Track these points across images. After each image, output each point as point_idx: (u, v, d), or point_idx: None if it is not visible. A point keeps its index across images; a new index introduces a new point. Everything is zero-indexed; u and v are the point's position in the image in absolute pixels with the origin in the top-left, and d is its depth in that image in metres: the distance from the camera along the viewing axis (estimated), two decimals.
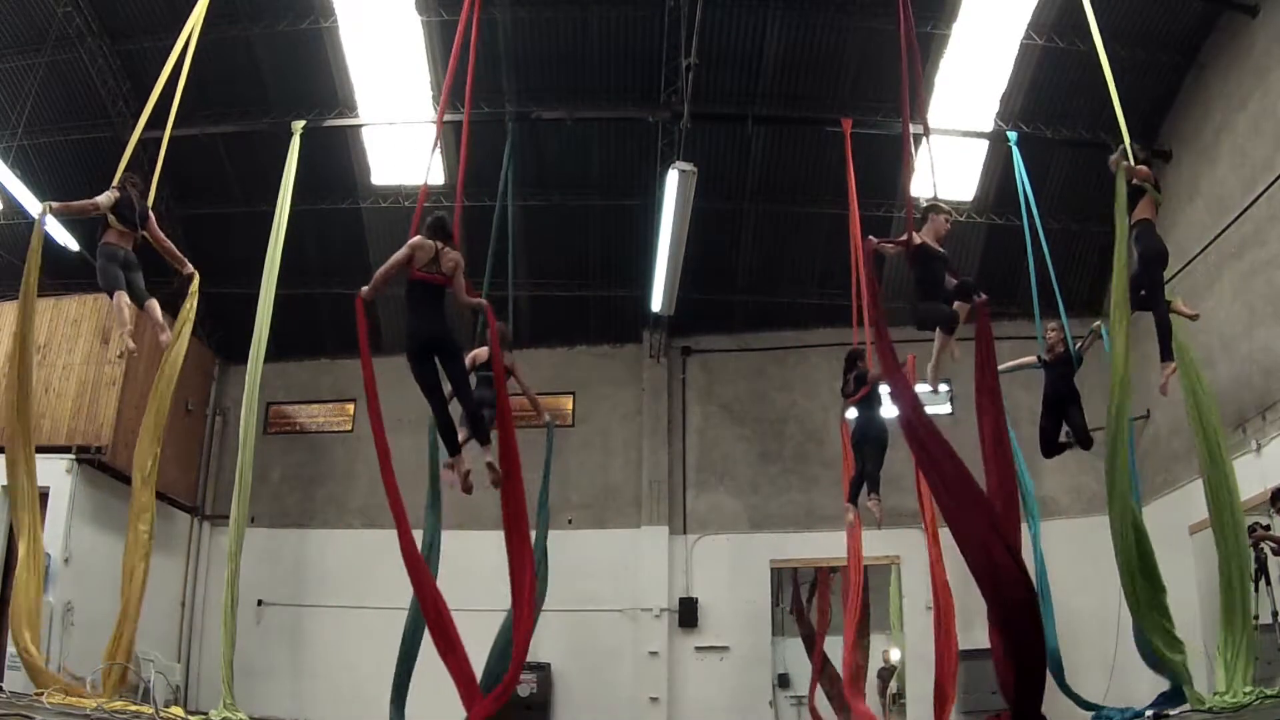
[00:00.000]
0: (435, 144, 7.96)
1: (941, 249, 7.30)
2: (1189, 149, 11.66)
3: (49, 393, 12.10)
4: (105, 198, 7.63)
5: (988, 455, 6.23)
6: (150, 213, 7.93)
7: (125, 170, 7.87)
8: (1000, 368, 9.31)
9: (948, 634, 9.75)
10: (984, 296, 6.85)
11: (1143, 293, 7.29)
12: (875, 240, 7.14)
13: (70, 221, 12.21)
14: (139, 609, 7.74)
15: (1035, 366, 9.11)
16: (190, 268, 8.27)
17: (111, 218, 7.62)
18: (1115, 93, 7.61)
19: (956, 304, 7.27)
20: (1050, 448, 8.76)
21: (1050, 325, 8.90)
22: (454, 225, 7.04)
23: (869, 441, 9.46)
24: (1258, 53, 10.30)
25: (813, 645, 13.27)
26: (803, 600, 14.73)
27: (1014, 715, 5.55)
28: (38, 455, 11.26)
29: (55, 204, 7.82)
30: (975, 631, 11.88)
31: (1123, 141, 7.43)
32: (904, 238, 7.19)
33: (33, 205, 11.50)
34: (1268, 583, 8.10)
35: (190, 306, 8.41)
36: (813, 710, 12.37)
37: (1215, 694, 6.92)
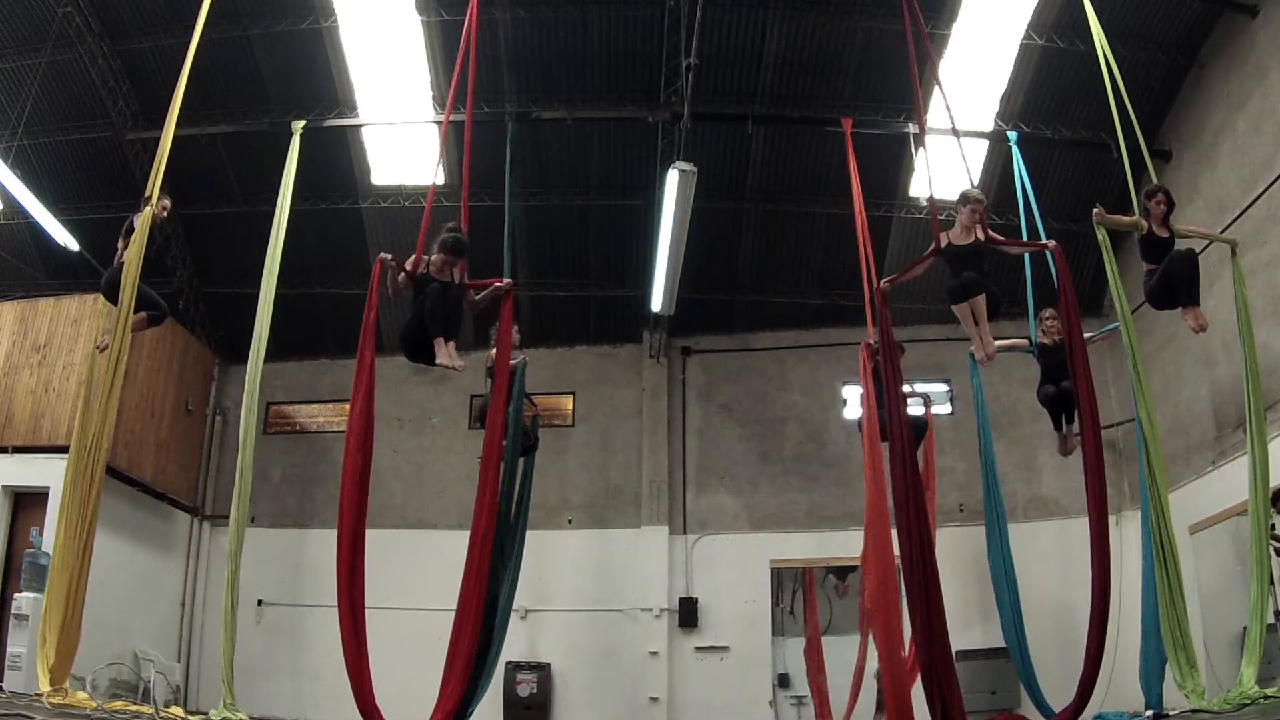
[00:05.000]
0: (441, 146, 8.03)
1: (972, 240, 7.35)
2: (1189, 149, 11.66)
3: (49, 392, 12.10)
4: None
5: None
6: None
7: (160, 190, 7.68)
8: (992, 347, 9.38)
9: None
10: (1054, 244, 7.50)
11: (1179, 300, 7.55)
12: (885, 283, 7.38)
13: (71, 221, 12.24)
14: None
15: (1027, 350, 9.12)
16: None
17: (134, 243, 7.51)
18: (1115, 93, 7.65)
19: (971, 301, 7.35)
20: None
21: (1047, 313, 8.90)
22: (463, 227, 7.12)
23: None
24: (1258, 53, 10.29)
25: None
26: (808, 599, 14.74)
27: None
28: (38, 455, 11.45)
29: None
30: (974, 631, 11.90)
31: (1125, 142, 7.52)
32: (930, 250, 7.34)
33: (32, 205, 11.50)
34: (1271, 583, 8.08)
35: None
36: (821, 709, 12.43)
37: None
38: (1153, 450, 7.03)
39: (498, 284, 7.14)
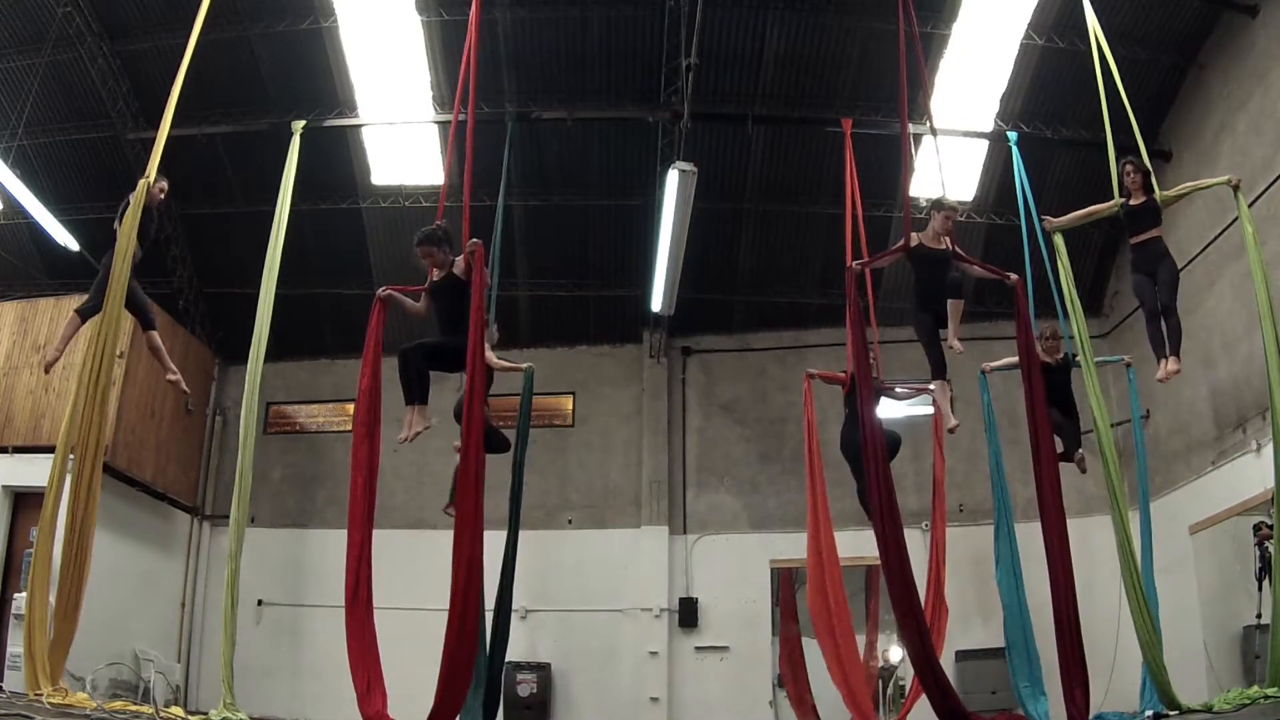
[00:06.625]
0: (450, 146, 8.03)
1: (943, 247, 7.33)
2: (1189, 149, 11.66)
3: (49, 392, 12.10)
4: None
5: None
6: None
7: (157, 174, 7.46)
8: (992, 365, 9.40)
9: (938, 636, 9.80)
10: (1015, 277, 7.36)
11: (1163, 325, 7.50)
12: (858, 264, 7.36)
13: (71, 221, 12.24)
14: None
15: None
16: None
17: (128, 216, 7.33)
18: (1112, 96, 7.65)
19: (950, 302, 7.37)
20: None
21: (1048, 331, 8.84)
22: (464, 226, 7.11)
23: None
24: (1258, 53, 10.30)
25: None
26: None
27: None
28: (38, 455, 11.43)
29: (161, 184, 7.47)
30: (975, 632, 11.91)
31: (1128, 143, 7.50)
32: (899, 244, 7.32)
33: (32, 205, 11.48)
34: (1271, 582, 8.09)
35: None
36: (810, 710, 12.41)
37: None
38: (1112, 469, 7.01)
39: (469, 251, 6.84)
